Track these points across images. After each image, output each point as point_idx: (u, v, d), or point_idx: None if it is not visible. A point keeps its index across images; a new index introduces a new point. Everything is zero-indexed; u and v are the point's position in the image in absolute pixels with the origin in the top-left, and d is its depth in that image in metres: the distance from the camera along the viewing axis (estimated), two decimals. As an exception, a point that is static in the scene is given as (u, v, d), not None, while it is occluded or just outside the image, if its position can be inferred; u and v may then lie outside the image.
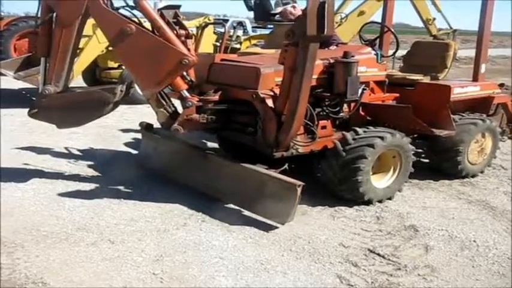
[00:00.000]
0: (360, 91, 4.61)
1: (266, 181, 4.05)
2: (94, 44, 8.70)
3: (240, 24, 21.80)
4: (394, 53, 5.58)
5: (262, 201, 4.04)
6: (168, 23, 4.45)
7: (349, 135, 4.43)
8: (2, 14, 15.68)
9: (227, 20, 23.06)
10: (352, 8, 11.07)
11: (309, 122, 4.32)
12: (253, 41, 10.21)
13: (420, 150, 5.88)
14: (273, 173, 4.09)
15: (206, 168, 4.57)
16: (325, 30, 3.46)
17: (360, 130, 4.49)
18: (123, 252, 3.47)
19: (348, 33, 10.10)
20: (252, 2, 10.25)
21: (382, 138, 4.43)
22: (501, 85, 7.40)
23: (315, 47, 3.65)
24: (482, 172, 5.72)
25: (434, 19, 11.25)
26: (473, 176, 5.59)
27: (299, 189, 3.84)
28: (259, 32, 13.56)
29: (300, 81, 3.75)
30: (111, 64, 9.70)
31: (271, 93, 4.13)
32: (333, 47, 5.23)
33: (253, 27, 15.74)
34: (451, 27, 11.40)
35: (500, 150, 6.59)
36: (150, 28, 4.20)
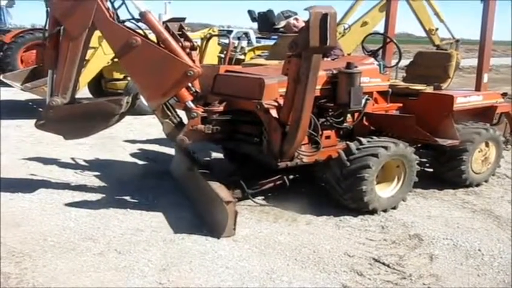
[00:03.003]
0: (363, 101, 4.64)
1: (213, 196, 4.09)
2: (100, 55, 8.80)
3: (245, 35, 21.97)
4: (397, 63, 5.63)
5: (208, 215, 4.18)
6: (173, 35, 4.52)
7: (353, 145, 4.46)
8: (10, 26, 15.89)
9: (231, 31, 23.24)
10: (355, 18, 11.17)
11: (313, 132, 4.35)
12: (258, 52, 10.28)
13: (424, 160, 5.91)
14: (217, 188, 4.12)
15: (191, 183, 4.73)
16: (328, 41, 3.51)
17: (363, 140, 4.52)
18: (129, 262, 3.50)
19: (351, 44, 10.18)
20: (256, 13, 10.38)
21: (385, 148, 4.46)
22: (504, 94, 7.43)
23: (317, 58, 3.70)
24: (486, 181, 5.73)
25: (437, 29, 11.30)
26: (477, 185, 5.59)
27: (227, 206, 3.86)
28: (263, 42, 13.65)
29: (303, 92, 3.80)
30: (117, 75, 9.78)
31: (275, 104, 4.17)
32: (332, 57, 5.29)
33: (257, 37, 15.83)
34: (453, 37, 11.44)
35: (505, 159, 6.61)
36: (155, 40, 4.27)
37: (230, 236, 3.94)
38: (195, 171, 4.64)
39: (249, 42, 13.90)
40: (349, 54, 7.90)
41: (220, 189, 4.10)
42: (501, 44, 41.75)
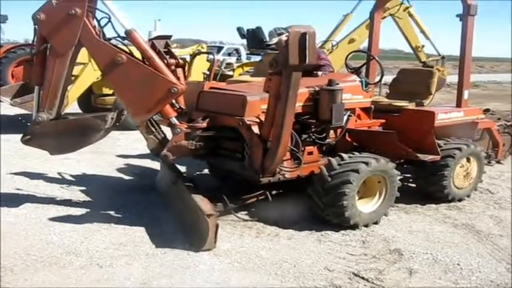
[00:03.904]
0: (345, 118, 4.74)
1: (195, 209, 4.14)
2: (89, 71, 8.87)
3: (235, 51, 22.19)
4: (379, 80, 5.75)
5: (189, 227, 4.25)
6: (158, 52, 4.61)
7: (334, 161, 4.54)
8: (2, 41, 15.94)
9: (222, 47, 23.45)
10: (342, 35, 11.35)
11: (294, 148, 4.43)
12: (246, 68, 10.41)
13: (409, 175, 6.00)
14: (199, 200, 4.18)
15: (175, 196, 4.79)
16: (307, 59, 3.61)
17: (345, 156, 4.60)
18: (111, 276, 3.54)
19: (339, 61, 10.31)
20: (245, 30, 10.53)
21: (366, 163, 4.54)
22: (486, 110, 7.59)
23: (297, 75, 3.79)
24: (468, 196, 5.81)
25: (423, 46, 11.52)
26: (459, 200, 5.67)
27: (209, 219, 3.92)
28: (254, 59, 13.80)
29: (283, 109, 3.89)
30: (106, 91, 9.84)
31: (257, 120, 4.26)
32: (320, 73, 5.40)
33: (247, 53, 16.01)
34: (439, 54, 11.66)
35: (488, 174, 6.73)
36: (140, 57, 4.35)
37: (211, 249, 3.99)
38: (179, 184, 4.69)
39: (238, 59, 14.05)
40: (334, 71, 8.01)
41: (202, 202, 4.15)
42: (489, 61, 42.39)
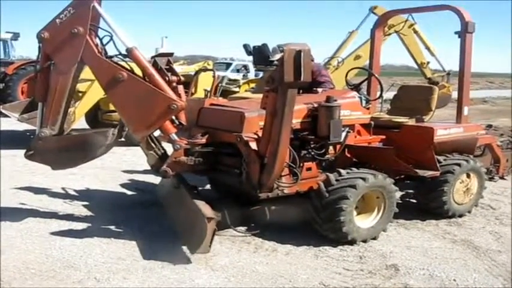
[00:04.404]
0: (343, 134, 4.79)
1: (196, 211, 4.21)
2: (96, 88, 8.96)
3: (244, 67, 22.39)
4: (379, 96, 5.81)
5: (187, 229, 4.32)
6: (160, 69, 4.73)
7: (332, 177, 4.58)
8: (14, 58, 16.27)
9: (231, 64, 23.65)
10: (348, 52, 11.46)
11: (292, 164, 4.48)
12: (252, 85, 10.52)
13: (411, 191, 6.02)
14: (201, 204, 4.24)
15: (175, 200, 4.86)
16: (302, 77, 3.68)
17: (343, 171, 4.64)
18: (107, 290, 3.60)
19: (344, 77, 10.41)
20: (251, 47, 10.65)
21: (364, 179, 4.57)
22: (489, 126, 7.59)
23: (293, 92, 3.86)
24: (469, 212, 5.80)
25: (428, 62, 11.59)
26: (460, 216, 5.67)
27: (208, 223, 3.99)
28: (261, 75, 13.94)
29: (279, 125, 3.95)
30: (113, 107, 9.98)
31: (255, 137, 4.32)
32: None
33: (255, 70, 16.18)
34: (444, 70, 11.72)
35: (491, 190, 6.72)
36: (141, 75, 4.45)
37: (205, 252, 4.07)
38: (182, 189, 4.75)
39: (245, 75, 14.18)
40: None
41: (204, 206, 4.22)
42: (499, 76, 42.24)
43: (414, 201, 5.92)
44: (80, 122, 9.62)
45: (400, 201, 5.80)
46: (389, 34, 10.51)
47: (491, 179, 7.11)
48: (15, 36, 17.26)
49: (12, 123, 10.45)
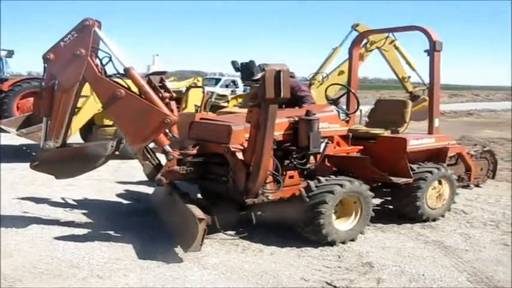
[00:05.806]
0: (322, 145, 5.24)
1: (187, 213, 4.63)
2: (91, 103, 9.42)
3: (233, 83, 22.92)
4: (356, 110, 6.28)
5: (180, 229, 4.74)
6: (154, 87, 5.17)
7: (312, 183, 5.02)
8: (8, 75, 16.61)
9: (220, 79, 24.17)
10: (332, 67, 11.92)
11: (275, 172, 4.92)
12: (240, 100, 10.97)
13: (388, 198, 6.47)
14: (192, 207, 4.66)
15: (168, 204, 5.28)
16: (282, 93, 4.14)
17: (322, 179, 5.08)
18: (109, 285, 3.99)
19: (329, 92, 10.88)
20: (239, 63, 11.14)
21: (341, 185, 5.02)
22: (462, 137, 8.09)
23: (274, 108, 4.32)
24: (442, 216, 6.23)
25: (409, 77, 12.08)
26: (434, 220, 6.10)
27: (200, 223, 4.39)
28: (249, 91, 14.40)
29: (263, 137, 4.41)
30: (107, 122, 10.34)
31: (241, 148, 4.77)
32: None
33: (244, 85, 16.63)
34: (425, 84, 12.19)
35: (465, 196, 7.21)
36: (137, 92, 4.89)
37: (196, 251, 4.47)
38: (174, 195, 5.17)
39: (233, 91, 14.63)
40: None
41: (195, 209, 4.64)
42: (484, 89, 43.16)
43: (391, 207, 6.37)
44: (74, 137, 9.99)
45: (378, 207, 6.30)
46: (371, 50, 11.03)
47: (465, 186, 7.60)
48: (10, 53, 17.62)
49: (9, 137, 10.84)
